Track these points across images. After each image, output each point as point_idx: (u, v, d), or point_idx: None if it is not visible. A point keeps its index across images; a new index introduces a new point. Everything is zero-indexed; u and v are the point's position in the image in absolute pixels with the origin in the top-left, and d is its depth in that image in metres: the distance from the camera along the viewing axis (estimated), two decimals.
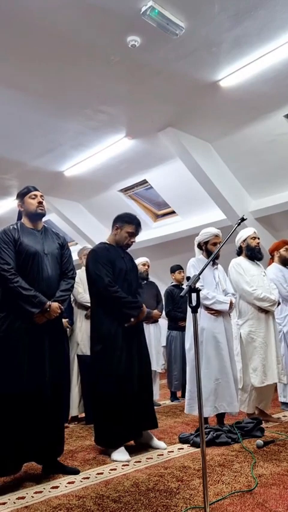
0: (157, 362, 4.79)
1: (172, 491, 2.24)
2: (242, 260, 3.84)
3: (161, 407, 4.65)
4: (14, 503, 2.19)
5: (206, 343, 3.37)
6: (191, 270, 3.51)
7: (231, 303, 3.46)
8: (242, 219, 2.49)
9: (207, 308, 3.43)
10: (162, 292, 5.25)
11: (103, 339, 2.96)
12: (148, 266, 5.05)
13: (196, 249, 3.69)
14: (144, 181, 6.67)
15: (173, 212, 7.12)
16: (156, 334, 4.94)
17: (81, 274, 3.98)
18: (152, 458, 2.84)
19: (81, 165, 5.98)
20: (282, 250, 4.39)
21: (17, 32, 3.35)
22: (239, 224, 2.46)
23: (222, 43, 3.55)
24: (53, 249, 2.69)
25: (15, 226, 2.64)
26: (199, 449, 2.62)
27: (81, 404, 4.05)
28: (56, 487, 2.37)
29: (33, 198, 2.72)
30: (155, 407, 3.51)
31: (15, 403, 2.41)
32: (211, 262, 3.33)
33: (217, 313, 3.44)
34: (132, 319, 3.01)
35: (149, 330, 4.75)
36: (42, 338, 2.54)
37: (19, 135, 5.08)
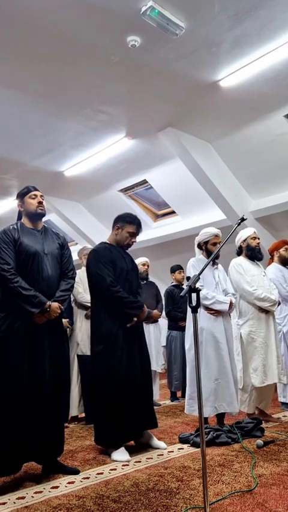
0: (157, 362, 4.79)
1: (172, 491, 2.24)
2: (242, 260, 3.84)
3: (161, 407, 4.65)
4: (14, 503, 2.19)
5: (205, 343, 3.37)
6: (191, 270, 3.51)
7: (231, 303, 3.46)
8: (242, 219, 2.49)
9: (206, 308, 3.43)
10: (162, 292, 5.25)
11: (104, 339, 2.96)
12: (148, 266, 5.05)
13: (196, 249, 3.69)
14: (144, 181, 6.67)
15: (173, 212, 7.12)
16: (156, 334, 4.94)
17: (81, 274, 3.99)
18: (152, 458, 2.83)
19: (81, 165, 5.98)
20: (282, 250, 4.39)
21: (17, 32, 3.35)
22: (239, 224, 2.46)
23: (222, 43, 3.55)
24: (53, 249, 2.69)
25: (15, 226, 2.64)
26: (199, 449, 2.62)
27: (81, 404, 4.05)
28: (56, 487, 2.37)
29: (33, 198, 2.72)
30: (155, 407, 3.51)
31: (15, 403, 2.41)
32: (211, 262, 3.32)
33: (217, 313, 3.44)
34: (134, 319, 3.00)
35: (149, 330, 4.75)
36: (42, 338, 2.54)
37: (19, 135, 5.08)
